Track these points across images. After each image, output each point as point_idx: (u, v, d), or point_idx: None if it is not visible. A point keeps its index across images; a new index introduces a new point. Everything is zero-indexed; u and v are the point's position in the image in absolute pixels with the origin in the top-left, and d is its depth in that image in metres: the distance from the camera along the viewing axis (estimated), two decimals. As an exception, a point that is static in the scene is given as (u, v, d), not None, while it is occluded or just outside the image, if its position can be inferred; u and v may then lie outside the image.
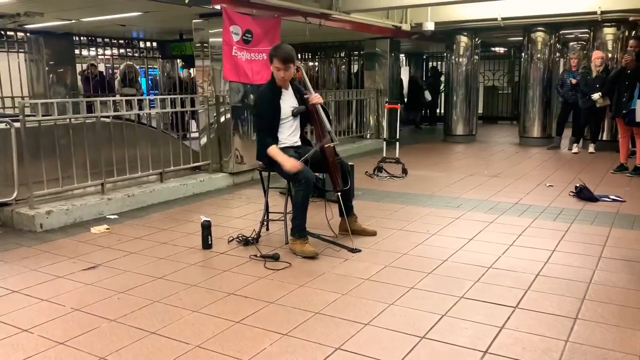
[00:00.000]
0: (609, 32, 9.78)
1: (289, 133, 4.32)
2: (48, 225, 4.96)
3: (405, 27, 10.29)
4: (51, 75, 9.28)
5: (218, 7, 6.50)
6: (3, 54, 8.74)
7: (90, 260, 4.08)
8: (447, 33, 11.32)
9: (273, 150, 4.15)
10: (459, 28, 11.03)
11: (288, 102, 4.31)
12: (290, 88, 4.36)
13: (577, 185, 6.04)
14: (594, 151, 9.40)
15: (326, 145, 4.30)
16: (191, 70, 12.22)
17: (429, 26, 9.82)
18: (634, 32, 9.48)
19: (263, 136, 4.27)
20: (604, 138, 9.82)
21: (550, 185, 6.64)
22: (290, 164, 4.03)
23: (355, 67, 13.37)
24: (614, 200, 5.79)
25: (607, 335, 2.77)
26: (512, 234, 4.59)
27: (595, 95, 8.61)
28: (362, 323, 2.94)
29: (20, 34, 8.93)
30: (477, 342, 2.71)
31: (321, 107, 4.38)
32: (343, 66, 13.46)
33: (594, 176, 7.12)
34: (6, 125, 5.02)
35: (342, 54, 13.13)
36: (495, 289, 3.40)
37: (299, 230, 4.12)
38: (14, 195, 5.01)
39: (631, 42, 7.79)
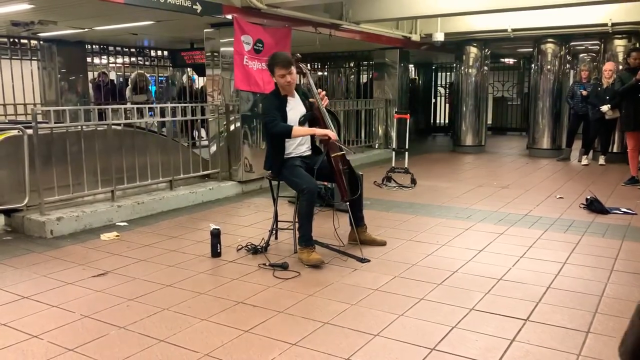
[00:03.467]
0: (619, 44, 9.75)
1: (297, 143, 4.30)
2: (58, 232, 4.99)
3: (415, 37, 10.32)
4: (63, 83, 9.36)
5: (229, 17, 6.56)
6: (16, 61, 8.84)
7: (99, 267, 4.10)
8: (457, 44, 11.33)
9: (298, 130, 4.15)
10: (469, 39, 11.03)
11: (297, 110, 4.30)
12: (297, 96, 4.35)
13: (588, 197, 5.99)
14: (604, 163, 9.33)
15: (333, 155, 4.29)
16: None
17: (439, 37, 9.83)
18: (638, 44, 9.40)
19: (277, 125, 4.12)
20: (614, 150, 9.75)
21: (560, 197, 6.60)
22: (322, 130, 4.17)
23: (364, 77, 13.40)
24: (625, 212, 5.74)
25: (619, 349, 2.74)
26: (522, 246, 4.56)
27: (605, 108, 8.55)
28: (371, 334, 2.92)
29: (33, 42, 9.02)
30: (488, 354, 2.69)
31: (332, 114, 4.38)
32: (352, 76, 13.49)
33: (605, 188, 7.07)
34: (19, 132, 5.07)
35: (352, 64, 13.17)
36: (505, 301, 3.37)
37: (305, 240, 4.12)
38: (25, 201, 5.05)
39: (634, 54, 7.57)
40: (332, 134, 4.20)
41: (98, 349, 2.78)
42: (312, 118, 4.34)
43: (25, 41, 8.91)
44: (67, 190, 5.37)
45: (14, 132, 5.20)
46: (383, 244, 4.57)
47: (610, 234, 4.96)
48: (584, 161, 9.51)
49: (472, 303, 3.34)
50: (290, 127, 4.14)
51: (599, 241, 4.73)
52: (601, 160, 9.42)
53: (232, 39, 6.63)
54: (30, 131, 5.00)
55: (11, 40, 8.69)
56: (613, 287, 3.60)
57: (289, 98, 4.29)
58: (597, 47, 10.75)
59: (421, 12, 8.27)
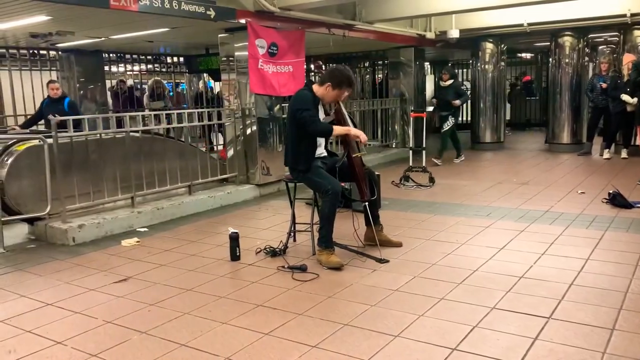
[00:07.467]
0: (639, 35, 9.56)
1: (319, 144, 4.32)
2: (80, 239, 5.06)
3: (430, 35, 10.25)
4: (82, 92, 9.50)
5: (243, 21, 6.59)
6: (36, 72, 9.00)
7: (121, 272, 4.14)
8: (472, 40, 11.23)
9: (337, 128, 4.17)
10: (484, 35, 10.93)
11: (321, 113, 4.33)
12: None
13: (611, 191, 5.88)
14: (626, 156, 9.16)
15: (354, 155, 4.30)
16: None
17: (454, 34, 9.75)
18: None
19: (319, 123, 4.13)
20: (637, 143, 9.56)
21: (582, 192, 6.49)
22: (357, 131, 4.23)
23: (379, 77, 13.36)
24: (649, 206, 5.63)
25: (646, 346, 2.68)
26: (543, 243, 4.50)
27: (635, 99, 8.28)
28: (391, 335, 2.91)
29: (52, 53, 9.18)
30: (510, 353, 2.65)
31: (349, 117, 4.39)
32: (367, 76, 13.45)
33: (628, 182, 6.93)
34: (39, 141, 5.15)
35: (367, 64, 13.13)
36: (527, 299, 3.33)
37: (325, 241, 4.12)
38: (47, 209, 5.13)
39: None
40: (364, 135, 4.24)
41: (120, 354, 2.81)
42: (332, 122, 4.34)
43: (44, 52, 9.08)
44: (87, 198, 5.45)
45: (35, 142, 5.29)
46: (399, 245, 4.53)
47: (634, 228, 4.86)
48: (606, 155, 9.35)
49: (493, 302, 3.30)
50: (331, 127, 4.16)
51: (623, 236, 4.64)
52: (624, 153, 9.25)
53: (247, 43, 6.67)
54: (50, 140, 5.08)
55: (30, 51, 8.86)
56: (638, 283, 3.53)
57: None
58: (616, 38, 10.56)
59: (435, 10, 8.21)
